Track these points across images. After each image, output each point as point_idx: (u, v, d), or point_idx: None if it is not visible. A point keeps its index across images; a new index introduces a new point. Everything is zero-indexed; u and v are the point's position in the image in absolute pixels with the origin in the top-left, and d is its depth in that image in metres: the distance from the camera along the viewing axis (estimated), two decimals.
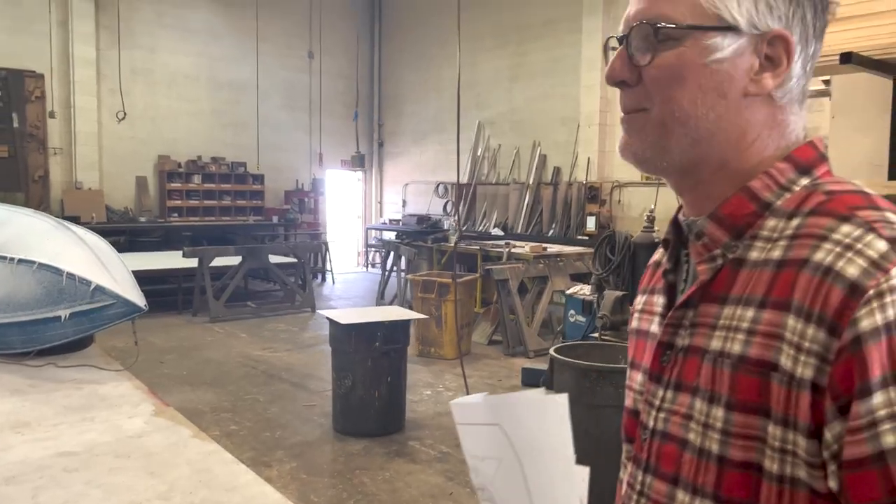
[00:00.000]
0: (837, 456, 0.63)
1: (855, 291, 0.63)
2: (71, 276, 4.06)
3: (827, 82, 3.30)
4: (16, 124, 10.75)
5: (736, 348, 0.71)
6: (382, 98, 15.16)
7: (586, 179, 10.32)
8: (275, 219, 13.11)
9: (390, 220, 13.56)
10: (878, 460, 0.60)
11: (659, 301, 0.88)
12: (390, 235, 11.69)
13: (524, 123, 11.70)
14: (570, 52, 10.59)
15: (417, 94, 13.99)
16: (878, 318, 0.61)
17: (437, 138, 13.39)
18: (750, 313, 0.70)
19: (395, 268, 10.06)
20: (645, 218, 4.54)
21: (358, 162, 11.03)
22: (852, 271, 0.63)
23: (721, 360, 0.72)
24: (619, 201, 10.19)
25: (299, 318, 8.92)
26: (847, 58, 2.36)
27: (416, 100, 14.02)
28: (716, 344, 0.73)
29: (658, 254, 0.96)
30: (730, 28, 0.74)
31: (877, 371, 0.60)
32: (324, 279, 12.72)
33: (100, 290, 4.06)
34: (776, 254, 0.71)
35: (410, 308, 7.06)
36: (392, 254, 10.15)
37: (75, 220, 9.83)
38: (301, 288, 9.98)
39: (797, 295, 0.66)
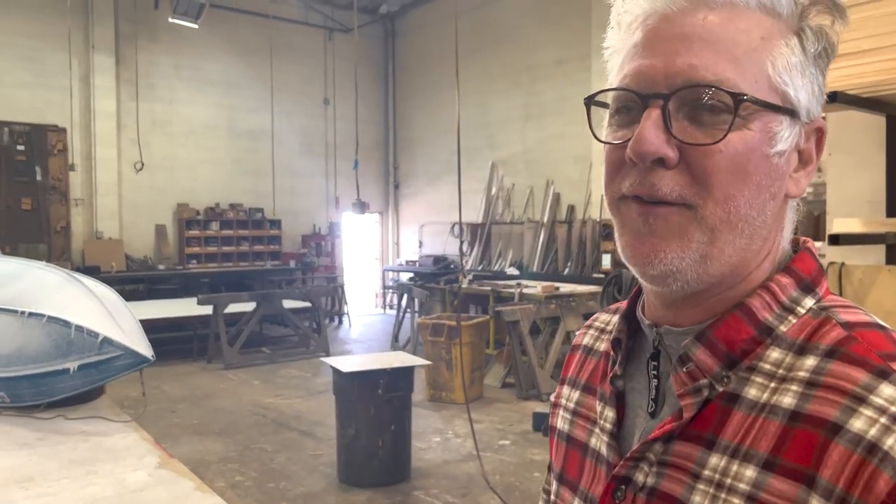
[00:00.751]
0: None
1: None
2: (79, 328, 4.11)
3: (823, 118, 3.30)
4: (39, 177, 11.03)
5: None
6: (397, 140, 15.37)
7: (600, 217, 10.31)
8: (292, 263, 13.23)
9: (407, 261, 13.62)
10: None
11: (606, 413, 0.72)
12: (406, 276, 11.73)
13: (537, 162, 11.78)
14: (581, 91, 10.66)
15: (431, 136, 14.17)
16: None
17: (451, 179, 13.49)
18: (750, 472, 0.57)
19: (408, 310, 10.06)
20: None
21: (360, 208, 11.13)
22: None
23: None
24: None
25: (313, 364, 8.93)
26: (833, 97, 2.37)
27: (430, 141, 14.20)
28: (699, 500, 0.60)
29: (587, 337, 0.84)
30: (793, 112, 0.61)
31: None
32: (340, 322, 12.74)
33: (107, 341, 4.10)
34: (787, 400, 0.58)
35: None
36: (406, 296, 10.17)
37: (96, 269, 10.03)
38: (316, 332, 10.01)
39: (826, 471, 0.53)
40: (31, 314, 4.08)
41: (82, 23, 11.40)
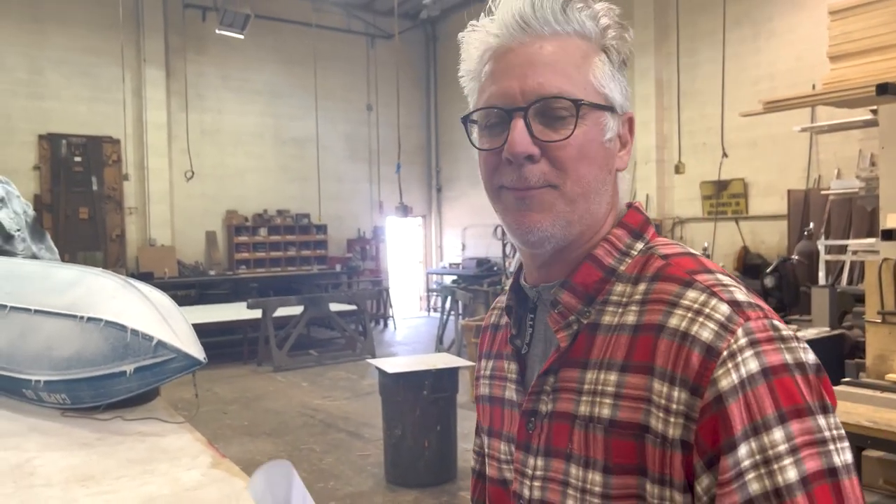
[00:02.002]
0: None
1: (711, 353, 0.68)
2: (135, 332, 4.25)
3: (874, 111, 3.21)
4: (95, 187, 11.43)
5: (605, 412, 0.74)
6: (440, 144, 15.43)
7: None
8: (338, 267, 13.40)
9: (451, 264, 13.66)
10: None
11: (510, 366, 0.89)
12: (450, 279, 11.75)
13: None
14: None
15: None
16: (734, 377, 0.67)
17: None
18: (613, 377, 0.74)
19: (452, 312, 10.09)
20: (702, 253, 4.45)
21: (402, 212, 11.23)
22: (706, 335, 0.69)
23: (592, 425, 0.75)
24: (682, 237, 9.99)
25: (359, 366, 9.03)
26: (884, 89, 2.30)
27: (472, 145, 14.19)
28: (584, 409, 0.76)
29: (493, 317, 1.00)
30: (612, 109, 0.80)
31: (738, 426, 0.66)
32: (386, 325, 12.85)
33: (162, 345, 4.23)
34: (630, 318, 0.75)
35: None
36: (449, 298, 10.20)
37: (149, 275, 10.33)
38: (361, 335, 10.12)
39: (659, 360, 0.71)
40: (89, 319, 4.23)
41: (133, 37, 11.78)
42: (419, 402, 4.63)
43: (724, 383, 0.67)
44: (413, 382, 4.63)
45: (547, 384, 0.81)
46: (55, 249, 4.80)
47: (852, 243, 6.01)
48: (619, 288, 0.79)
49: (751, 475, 0.65)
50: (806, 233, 6.14)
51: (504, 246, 11.82)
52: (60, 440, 3.88)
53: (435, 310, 14.25)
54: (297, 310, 9.49)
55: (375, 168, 14.28)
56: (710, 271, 0.75)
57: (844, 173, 7.48)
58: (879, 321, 2.88)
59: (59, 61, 11.30)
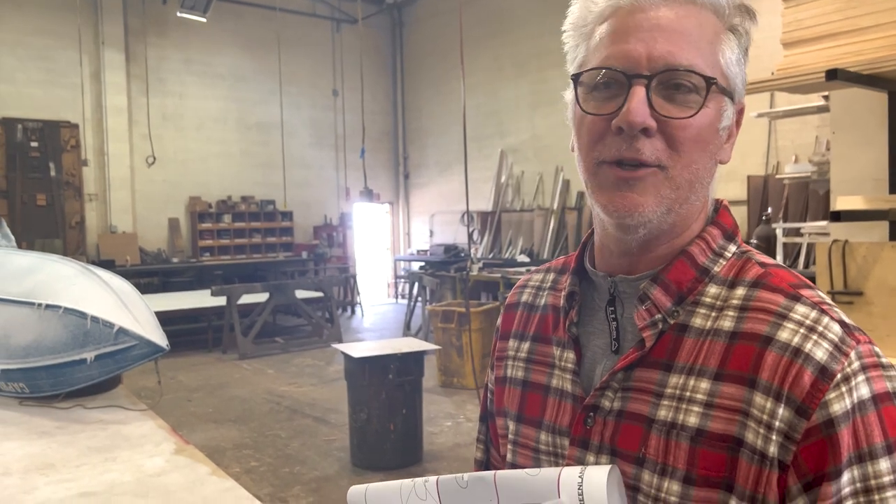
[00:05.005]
0: None
1: (825, 374, 0.65)
2: (95, 319, 4.19)
3: (827, 97, 3.30)
4: (53, 173, 11.15)
5: (692, 420, 0.69)
6: (406, 131, 15.37)
7: None
8: (304, 254, 13.30)
9: (418, 251, 13.66)
10: None
11: (566, 355, 0.83)
12: (417, 266, 11.78)
13: (547, 150, 11.75)
14: None
15: (440, 125, 14.16)
16: (847, 402, 0.64)
17: (461, 168, 13.45)
18: (704, 384, 0.70)
19: (420, 298, 10.12)
20: None
21: (367, 196, 11.21)
22: (821, 354, 0.66)
23: (675, 431, 0.70)
24: None
25: (326, 353, 9.01)
26: (833, 74, 2.37)
27: (440, 132, 14.19)
28: (664, 413, 0.71)
29: (524, 295, 0.94)
30: (732, 96, 0.74)
31: (845, 453, 0.64)
32: (353, 312, 12.82)
33: (123, 331, 4.18)
34: (726, 324, 0.71)
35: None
36: (417, 284, 10.22)
37: (110, 263, 10.15)
38: (328, 322, 10.09)
39: (765, 373, 0.67)
40: (47, 306, 4.16)
41: (91, 20, 11.48)
42: (385, 385, 4.66)
43: (837, 407, 0.64)
44: (379, 366, 4.65)
45: (615, 380, 0.76)
46: (12, 237, 4.68)
47: (807, 226, 6.18)
48: (712, 290, 0.74)
49: (849, 503, 0.63)
50: (764, 217, 6.29)
51: (471, 233, 11.87)
52: (19, 429, 3.81)
53: (402, 296, 14.26)
54: (262, 297, 9.42)
55: (342, 154, 14.17)
56: (811, 287, 0.72)
57: (801, 159, 7.66)
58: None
59: (13, 44, 10.96)
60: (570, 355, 0.82)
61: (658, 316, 0.74)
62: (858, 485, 0.64)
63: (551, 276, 0.93)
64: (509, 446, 0.88)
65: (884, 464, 0.64)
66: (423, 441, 4.98)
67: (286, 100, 13.29)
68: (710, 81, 0.70)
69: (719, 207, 0.81)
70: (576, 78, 0.75)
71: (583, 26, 0.77)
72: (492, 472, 0.72)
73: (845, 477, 0.64)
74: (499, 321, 0.97)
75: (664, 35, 0.70)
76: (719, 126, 0.73)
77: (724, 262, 0.76)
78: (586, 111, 0.74)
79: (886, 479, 0.64)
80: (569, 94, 0.79)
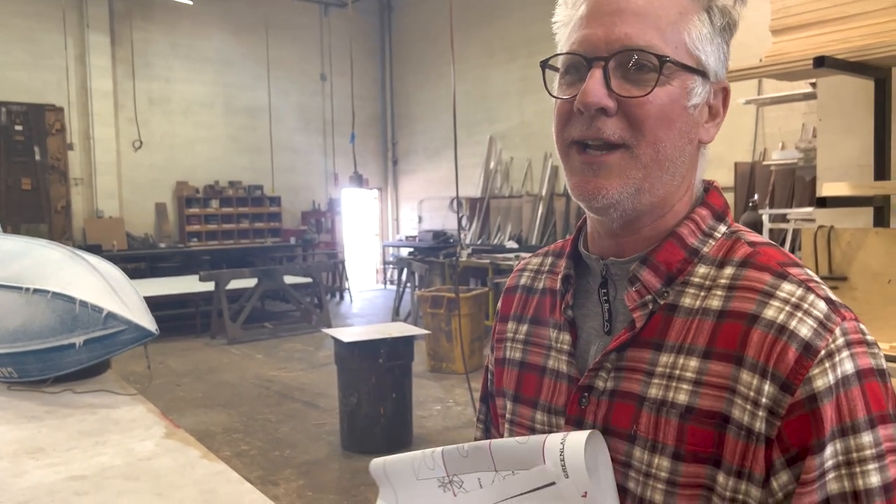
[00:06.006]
0: (782, 503, 0.67)
1: (808, 351, 0.66)
2: (84, 303, 4.18)
3: (814, 84, 3.33)
4: (38, 157, 11.04)
5: (681, 398, 0.71)
6: (395, 116, 15.32)
7: None
8: (292, 240, 13.28)
9: (407, 237, 13.67)
10: None
11: (562, 337, 0.84)
12: (406, 252, 11.78)
13: (535, 135, 11.76)
14: None
15: (429, 111, 14.12)
16: (830, 378, 0.66)
17: (450, 154, 13.44)
18: (693, 363, 0.71)
19: (408, 284, 10.14)
20: None
21: (357, 182, 11.18)
22: (805, 331, 0.67)
23: (665, 409, 0.72)
24: None
25: (315, 338, 9.02)
26: (820, 62, 2.39)
27: (429, 118, 14.15)
28: (654, 392, 0.73)
29: (523, 279, 0.96)
30: (704, 74, 0.75)
31: (828, 427, 0.65)
32: (342, 297, 12.83)
33: (112, 316, 4.17)
34: (714, 303, 0.72)
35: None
36: (405, 270, 10.24)
37: (97, 248, 10.08)
38: (317, 308, 10.09)
39: (751, 351, 0.68)
40: (35, 290, 4.14)
41: (76, 2, 11.33)
42: (375, 370, 4.68)
43: (820, 383, 0.66)
44: (369, 351, 4.67)
45: (608, 361, 0.77)
46: None
47: (793, 212, 6.24)
48: (701, 270, 0.75)
49: (831, 475, 0.65)
50: (751, 204, 6.34)
51: (460, 218, 11.88)
52: (7, 413, 3.80)
53: (391, 282, 14.28)
54: (250, 282, 9.40)
55: (330, 139, 14.11)
56: (799, 265, 0.74)
57: (788, 146, 7.71)
58: None
59: None
60: (566, 337, 0.84)
61: (648, 297, 0.76)
62: (841, 458, 0.65)
63: (549, 260, 0.94)
64: (506, 425, 0.91)
65: (866, 437, 0.65)
66: (412, 425, 5.02)
67: (274, 84, 13.20)
68: (662, 59, 0.71)
69: (709, 188, 0.82)
70: (543, 64, 0.79)
71: (564, 16, 0.79)
72: (487, 441, 0.76)
73: (828, 450, 0.65)
74: (499, 304, 0.99)
75: (623, 17, 0.72)
76: (686, 104, 0.74)
77: (714, 243, 0.77)
78: (554, 95, 0.77)
79: (868, 452, 0.65)
80: None
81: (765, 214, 6.40)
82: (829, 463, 0.65)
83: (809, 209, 5.42)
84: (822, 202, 2.55)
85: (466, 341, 6.61)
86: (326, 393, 6.32)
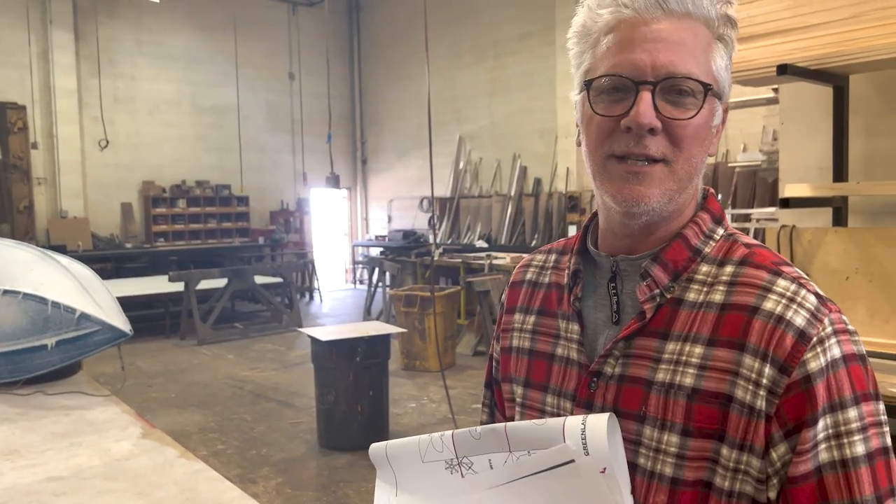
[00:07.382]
0: (779, 472, 0.76)
1: (803, 338, 0.76)
2: (56, 304, 4.14)
3: (776, 90, 3.46)
4: None
5: (688, 381, 0.80)
6: (364, 116, 15.30)
7: (566, 189, 10.48)
8: (261, 240, 13.18)
9: (376, 237, 13.67)
10: (816, 473, 0.75)
11: (571, 327, 0.92)
12: (376, 251, 11.79)
13: (504, 136, 11.86)
14: (545, 66, 10.76)
15: (398, 110, 14.14)
16: (822, 361, 0.76)
17: (419, 153, 13.53)
18: (698, 350, 0.80)
19: (380, 283, 10.16)
20: None
21: (333, 182, 11.15)
22: (799, 321, 0.77)
23: (673, 391, 0.80)
24: None
25: (286, 338, 9.00)
26: (783, 69, 2.51)
27: (398, 117, 14.17)
28: (662, 376, 0.82)
29: (528, 273, 1.05)
30: (721, 97, 0.85)
31: (820, 403, 0.75)
32: (311, 297, 12.79)
33: (85, 317, 4.14)
34: (717, 297, 0.82)
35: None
36: (377, 269, 10.26)
37: (61, 248, 9.89)
38: (288, 307, 10.05)
39: (752, 338, 0.78)
40: (6, 291, 4.08)
41: None
42: (352, 368, 4.72)
43: (813, 365, 0.75)
44: (346, 349, 4.70)
45: (616, 349, 0.86)
46: None
47: (755, 212, 6.42)
48: (704, 268, 0.85)
49: (822, 446, 0.75)
50: None
51: (431, 218, 11.92)
52: None
53: (361, 282, 14.27)
54: (220, 283, 9.33)
55: (299, 139, 14.04)
56: (789, 264, 0.84)
57: (750, 148, 7.93)
58: None
59: None
60: (575, 327, 0.92)
61: (657, 291, 0.85)
62: (831, 430, 0.75)
63: (553, 257, 1.03)
64: (517, 409, 0.99)
65: (852, 412, 0.76)
66: (388, 422, 5.06)
67: (242, 83, 13.10)
68: (707, 87, 0.81)
69: (707, 195, 0.92)
70: (588, 83, 0.84)
71: (588, 35, 0.86)
72: (503, 423, 0.81)
73: (820, 424, 0.75)
74: (503, 297, 1.08)
75: (665, 46, 0.80)
76: (712, 124, 0.84)
77: (714, 244, 0.87)
78: (596, 112, 0.83)
79: (854, 425, 0.76)
80: (575, 96, 0.89)
81: (728, 214, 6.60)
82: (821, 435, 0.75)
83: (772, 209, 5.59)
84: (786, 203, 2.67)
85: (440, 340, 6.68)
86: (301, 392, 6.33)
